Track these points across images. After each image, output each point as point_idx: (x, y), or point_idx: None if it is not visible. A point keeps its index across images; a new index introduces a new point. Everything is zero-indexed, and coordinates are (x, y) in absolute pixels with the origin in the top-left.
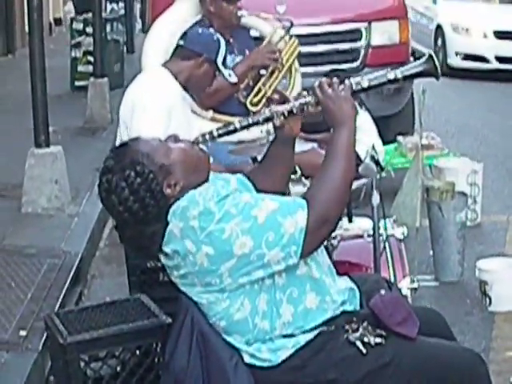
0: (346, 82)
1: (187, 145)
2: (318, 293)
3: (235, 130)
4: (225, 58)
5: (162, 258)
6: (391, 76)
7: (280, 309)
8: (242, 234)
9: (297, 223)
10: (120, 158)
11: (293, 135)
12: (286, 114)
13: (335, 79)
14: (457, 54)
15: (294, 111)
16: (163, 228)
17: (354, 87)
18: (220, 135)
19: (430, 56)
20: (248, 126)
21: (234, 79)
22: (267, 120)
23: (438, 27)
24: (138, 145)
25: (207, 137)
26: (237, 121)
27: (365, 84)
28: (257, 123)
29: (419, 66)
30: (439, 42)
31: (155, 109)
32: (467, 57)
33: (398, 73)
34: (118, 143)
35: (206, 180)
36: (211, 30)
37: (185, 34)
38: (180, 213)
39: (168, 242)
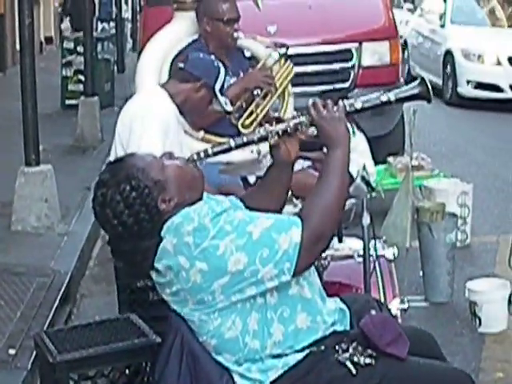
0: (340, 103)
1: (182, 162)
2: (309, 313)
3: (230, 149)
4: (223, 86)
5: (154, 275)
6: (384, 98)
7: (271, 328)
8: (237, 250)
9: (291, 239)
10: (115, 172)
11: (290, 159)
12: (281, 133)
13: (329, 100)
14: (468, 82)
15: (289, 130)
16: (156, 244)
17: (347, 108)
18: (215, 153)
19: (423, 79)
20: (243, 145)
21: (229, 108)
22: (262, 139)
23: (447, 53)
24: (134, 160)
25: (202, 155)
26: (232, 140)
27: (358, 105)
28: (252, 142)
29: (412, 89)
30: (448, 69)
31: (154, 126)
32: (479, 85)
33: (392, 95)
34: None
35: (201, 198)
36: (212, 56)
37: (186, 57)
38: (174, 229)
39: (161, 257)
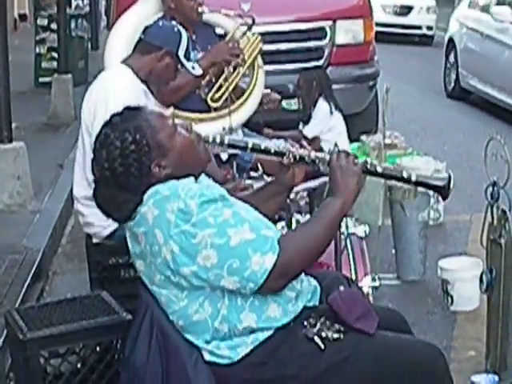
0: (364, 159)
1: (196, 139)
2: (279, 304)
3: (245, 148)
4: (187, 51)
5: (130, 244)
6: (405, 175)
7: (241, 315)
8: (211, 247)
9: (263, 264)
10: (127, 118)
11: (291, 184)
12: (298, 158)
13: (353, 154)
14: None
15: (306, 159)
16: (135, 203)
17: (368, 166)
18: (229, 145)
19: (450, 177)
20: (259, 150)
21: (198, 71)
22: (278, 154)
23: None
24: (150, 116)
25: (217, 140)
26: (250, 141)
27: (379, 169)
28: (268, 152)
29: (436, 181)
30: None
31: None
32: None
33: (414, 176)
34: (80, 150)
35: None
36: (173, 22)
37: (145, 28)
38: (159, 200)
39: (139, 224)
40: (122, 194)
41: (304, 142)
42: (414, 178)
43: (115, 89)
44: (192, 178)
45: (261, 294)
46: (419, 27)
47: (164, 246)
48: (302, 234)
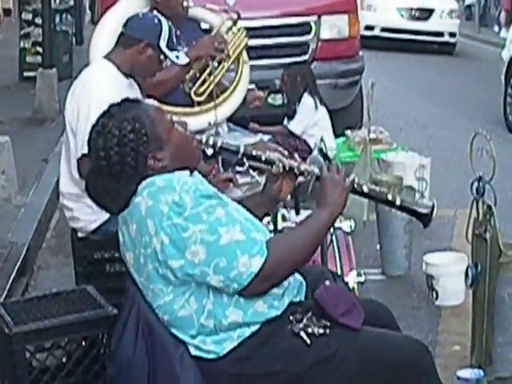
0: (352, 176)
1: (190, 136)
2: (265, 301)
3: (237, 153)
4: (170, 40)
5: (121, 236)
6: (390, 197)
7: (226, 311)
8: (201, 243)
9: (250, 266)
10: (126, 108)
11: (278, 196)
12: (287, 168)
13: (344, 169)
14: None
15: (295, 171)
16: (129, 194)
17: (354, 185)
18: (221, 148)
19: (433, 206)
20: (250, 157)
21: (182, 60)
22: (268, 162)
23: None
24: (149, 108)
25: (210, 142)
26: (242, 146)
27: (365, 189)
28: (259, 159)
29: (419, 208)
30: None
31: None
32: None
33: (398, 200)
34: (65, 147)
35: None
36: (154, 12)
37: (126, 21)
38: (154, 191)
39: (132, 213)
40: (115, 184)
41: (296, 155)
42: (398, 202)
43: (97, 91)
44: (187, 172)
45: (243, 296)
46: (441, 34)
47: (154, 237)
48: (290, 241)
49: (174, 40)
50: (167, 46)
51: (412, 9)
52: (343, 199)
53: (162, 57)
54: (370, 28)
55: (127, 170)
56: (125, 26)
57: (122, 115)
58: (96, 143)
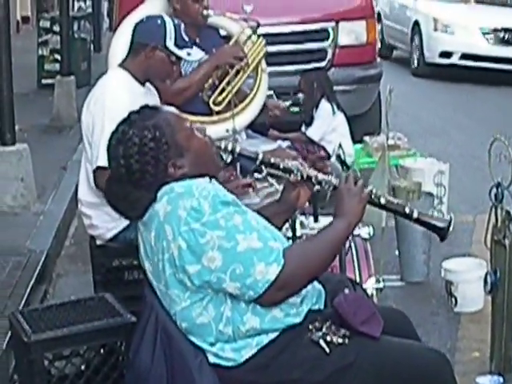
0: (369, 188)
1: (210, 142)
2: (282, 309)
3: (255, 160)
4: (178, 38)
5: (140, 242)
6: (407, 211)
7: (244, 317)
8: (218, 249)
9: (266, 274)
10: (146, 117)
11: (295, 205)
12: (305, 177)
13: (361, 181)
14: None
15: (313, 180)
16: (149, 200)
17: (372, 196)
18: (240, 154)
19: (451, 220)
20: (268, 164)
21: (195, 56)
22: (286, 171)
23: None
24: (169, 115)
25: (229, 148)
26: (261, 153)
27: (382, 201)
28: (277, 167)
29: (437, 221)
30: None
31: (116, 121)
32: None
33: (415, 213)
34: (84, 155)
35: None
36: (158, 15)
37: (134, 27)
38: (173, 197)
39: (151, 219)
40: (135, 191)
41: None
42: (415, 216)
43: (111, 102)
44: (207, 178)
45: (259, 305)
46: None
47: (172, 242)
48: (307, 251)
49: (185, 37)
50: (176, 45)
51: (500, 29)
52: (360, 210)
53: (173, 58)
54: (446, 55)
55: (147, 178)
56: (133, 32)
57: (143, 123)
58: (116, 151)
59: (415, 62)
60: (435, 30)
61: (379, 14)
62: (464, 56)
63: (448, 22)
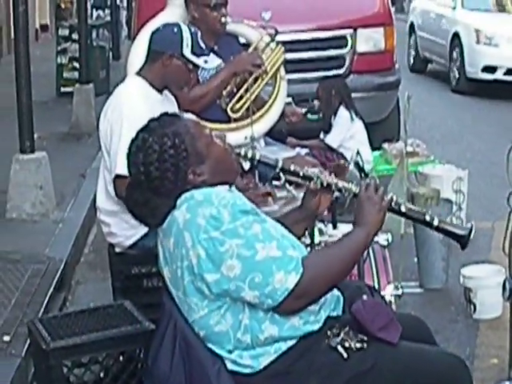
0: (390, 195)
1: (230, 149)
2: (301, 317)
3: (275, 167)
4: (194, 45)
5: (161, 251)
6: (428, 219)
7: (262, 325)
8: (237, 257)
9: (285, 283)
10: (166, 124)
11: (315, 211)
12: (325, 184)
13: (382, 188)
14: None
15: (333, 187)
16: (168, 208)
17: (392, 204)
18: (259, 161)
19: (472, 228)
20: (288, 172)
21: (212, 64)
22: (306, 178)
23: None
24: (188, 122)
25: (249, 155)
26: (281, 160)
27: (403, 209)
28: (297, 174)
29: (457, 229)
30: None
31: (133, 130)
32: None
33: (436, 221)
34: (102, 163)
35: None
36: (175, 23)
37: (151, 35)
38: (192, 204)
39: (170, 227)
40: (154, 198)
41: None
42: (435, 223)
43: (128, 110)
44: (226, 186)
45: (277, 313)
46: None
47: (191, 250)
48: (326, 259)
49: (202, 45)
50: (193, 53)
51: None
52: (380, 219)
53: (190, 65)
54: (490, 69)
55: (167, 185)
56: (150, 40)
57: (162, 130)
58: (136, 158)
59: (455, 77)
60: (477, 42)
61: (412, 25)
62: (510, 71)
63: (492, 34)
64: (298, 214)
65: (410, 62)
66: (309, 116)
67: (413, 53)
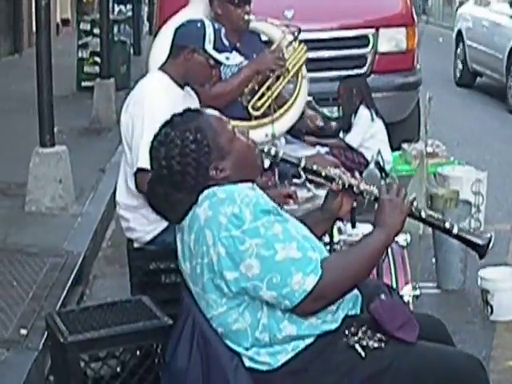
0: (411, 199)
1: (253, 145)
2: (319, 316)
3: (297, 166)
4: (217, 41)
5: (180, 246)
6: (448, 226)
7: (281, 324)
8: (256, 257)
9: (303, 284)
10: (189, 119)
11: (337, 212)
12: (347, 185)
13: (404, 191)
14: None
15: (354, 189)
16: (189, 204)
17: (413, 209)
18: (282, 160)
19: (491, 237)
20: (310, 171)
21: (234, 60)
22: (328, 178)
23: None
24: (211, 118)
25: (272, 152)
26: (304, 159)
27: (423, 214)
28: (319, 174)
29: (476, 238)
30: None
31: (155, 125)
32: None
33: (456, 229)
34: (123, 158)
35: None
36: (199, 19)
37: (175, 30)
38: (214, 202)
39: (192, 223)
40: (176, 193)
41: (356, 174)
42: (455, 231)
43: (150, 105)
44: (249, 184)
45: (295, 314)
46: None
47: (212, 247)
48: (345, 262)
49: (225, 41)
50: (215, 49)
51: None
52: (401, 222)
53: (211, 61)
54: None
55: (188, 180)
56: (173, 35)
57: (185, 125)
58: (158, 152)
59: None
60: None
61: (460, 33)
62: None
63: None
64: (319, 214)
65: (457, 74)
66: (326, 112)
67: (460, 65)
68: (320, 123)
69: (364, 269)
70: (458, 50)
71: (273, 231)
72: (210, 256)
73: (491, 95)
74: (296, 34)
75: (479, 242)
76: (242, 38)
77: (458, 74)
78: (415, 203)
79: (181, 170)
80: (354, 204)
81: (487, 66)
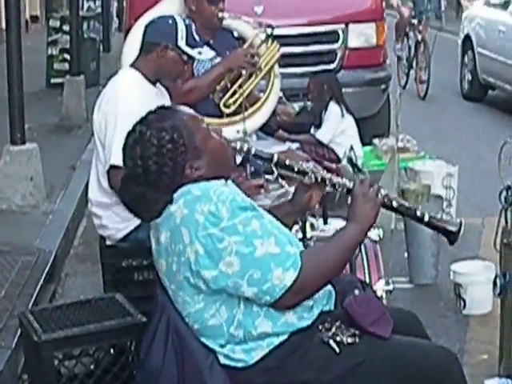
0: (382, 191)
1: (226, 143)
2: (295, 311)
3: (270, 160)
4: (189, 37)
5: (154, 245)
6: (419, 214)
7: (256, 321)
8: (236, 254)
9: (283, 280)
10: (164, 117)
11: (306, 206)
12: (319, 179)
13: (377, 185)
14: None
15: (327, 183)
16: (164, 202)
17: (385, 199)
18: (254, 155)
19: (461, 224)
20: (283, 166)
21: (206, 55)
22: (301, 172)
23: None
24: (186, 117)
25: (244, 149)
26: (276, 155)
27: (395, 204)
28: (292, 169)
29: (447, 225)
30: None
31: (127, 123)
32: None
33: (426, 217)
34: (95, 156)
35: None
36: (170, 15)
37: (145, 27)
38: (189, 200)
39: (167, 221)
40: (150, 192)
41: (329, 164)
42: (426, 219)
43: (123, 102)
44: (223, 181)
45: (274, 309)
46: None
47: (189, 246)
48: (321, 256)
49: (196, 37)
50: (188, 44)
51: None
52: (374, 214)
53: (184, 57)
54: None
55: (164, 180)
56: (144, 32)
57: (161, 124)
58: (133, 151)
59: None
60: None
61: (469, 38)
62: None
63: None
64: (288, 207)
65: (464, 86)
66: (296, 108)
67: (468, 76)
68: (292, 110)
69: (340, 262)
70: (466, 59)
71: (251, 227)
72: (187, 255)
73: (503, 110)
74: (269, 32)
75: (451, 228)
76: (215, 34)
77: (467, 86)
78: (386, 193)
79: (157, 169)
80: (325, 192)
81: (502, 78)
